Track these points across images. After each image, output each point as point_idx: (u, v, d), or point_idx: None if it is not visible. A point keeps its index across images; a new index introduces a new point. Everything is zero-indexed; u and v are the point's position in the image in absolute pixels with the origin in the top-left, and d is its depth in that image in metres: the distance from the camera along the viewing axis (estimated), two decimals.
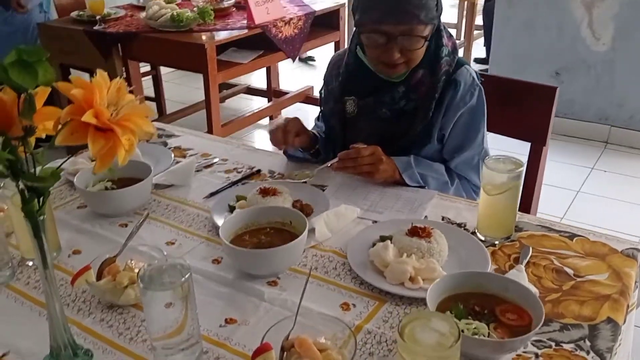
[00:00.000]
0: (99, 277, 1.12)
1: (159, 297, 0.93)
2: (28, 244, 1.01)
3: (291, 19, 3.42)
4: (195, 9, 3.30)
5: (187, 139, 1.84)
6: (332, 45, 3.99)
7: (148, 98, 4.44)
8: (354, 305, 1.10)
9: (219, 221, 1.34)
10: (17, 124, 0.80)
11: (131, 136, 0.80)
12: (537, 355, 0.98)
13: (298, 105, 4.43)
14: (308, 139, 1.60)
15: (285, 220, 1.26)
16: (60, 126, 0.78)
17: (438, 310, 1.00)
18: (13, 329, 1.07)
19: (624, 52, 3.81)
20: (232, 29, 3.24)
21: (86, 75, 1.00)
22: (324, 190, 1.51)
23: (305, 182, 1.54)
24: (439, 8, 1.45)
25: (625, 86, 3.89)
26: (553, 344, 1.00)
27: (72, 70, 3.46)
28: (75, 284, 1.10)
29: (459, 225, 1.35)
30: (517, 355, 0.97)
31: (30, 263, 1.24)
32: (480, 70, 5.73)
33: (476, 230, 1.32)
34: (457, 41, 1.69)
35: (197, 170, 1.62)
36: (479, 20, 5.48)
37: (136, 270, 1.11)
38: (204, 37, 3.13)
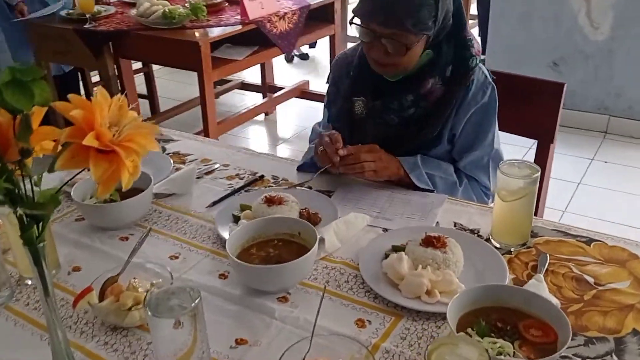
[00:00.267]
0: (102, 297, 1.07)
1: (166, 320, 0.88)
2: (26, 262, 0.96)
3: (285, 13, 3.36)
4: (187, 4, 3.23)
5: (186, 144, 1.79)
6: (327, 39, 3.93)
7: (140, 95, 4.37)
8: (369, 322, 1.05)
9: (224, 233, 1.29)
10: (14, 147, 0.75)
11: (135, 157, 0.75)
12: None
13: (293, 100, 4.37)
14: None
15: (294, 232, 1.21)
16: (59, 149, 0.73)
17: (459, 327, 0.96)
18: (13, 354, 1.02)
19: (622, 41, 3.77)
20: (225, 25, 3.17)
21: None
22: (330, 197, 1.46)
23: (311, 187, 1.49)
24: (437, 22, 1.38)
25: (623, 76, 3.86)
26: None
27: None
28: (77, 307, 1.05)
29: (472, 231, 1.31)
30: None
31: (30, 282, 1.19)
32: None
33: (490, 237, 1.28)
34: None
35: (198, 177, 1.57)
36: (473, 9, 5.42)
37: (140, 290, 1.06)
38: (197, 34, 3.07)
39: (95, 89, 0.76)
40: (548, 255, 1.20)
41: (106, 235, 1.34)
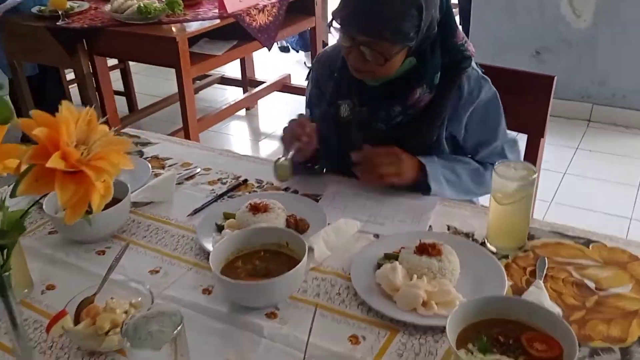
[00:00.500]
0: (77, 319, 1.00)
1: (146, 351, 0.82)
2: None
3: (265, 6, 3.27)
4: None
5: (165, 147, 1.71)
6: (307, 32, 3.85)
7: (118, 93, 4.25)
8: (364, 338, 1.00)
9: (207, 244, 1.22)
10: None
11: (107, 177, 0.68)
12: None
13: (275, 94, 4.29)
14: (310, 154, 1.46)
15: (282, 242, 1.15)
16: (22, 171, 0.66)
17: (459, 342, 0.91)
18: None
19: (605, 28, 3.74)
20: (203, 19, 3.08)
21: None
22: (318, 200, 1.40)
23: (297, 191, 1.43)
24: (420, 32, 1.30)
25: (606, 63, 3.84)
26: None
27: None
28: (50, 332, 0.98)
29: (467, 235, 1.26)
30: None
31: None
32: None
33: (486, 241, 1.23)
34: None
35: (178, 183, 1.50)
36: None
37: (118, 311, 0.99)
38: (174, 30, 2.97)
39: (62, 103, 0.66)
40: (546, 259, 1.16)
41: (82, 249, 1.26)
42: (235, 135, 4.20)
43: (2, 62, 3.36)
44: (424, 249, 1.10)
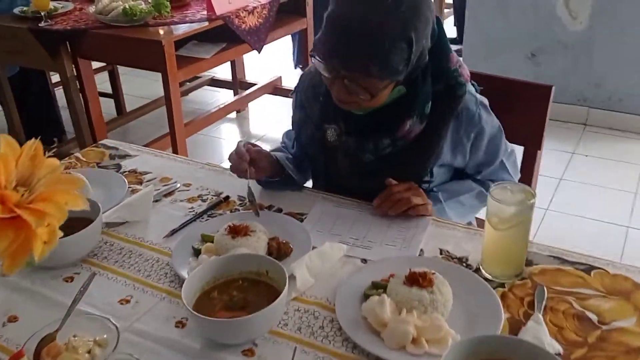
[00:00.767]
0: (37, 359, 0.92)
1: None
2: None
3: (255, 7, 3.18)
4: (149, 0, 3.04)
5: (144, 160, 1.63)
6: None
7: (105, 95, 4.17)
8: None
9: (182, 271, 1.14)
10: None
11: (52, 221, 0.60)
12: None
13: (266, 97, 4.20)
14: (269, 166, 1.38)
15: (261, 270, 1.07)
16: None
17: None
18: None
19: (601, 30, 3.67)
20: (191, 22, 2.99)
21: None
22: (302, 221, 1.32)
23: (281, 209, 1.36)
24: (410, 64, 1.19)
25: (603, 66, 3.77)
26: None
27: None
28: None
29: (460, 260, 1.18)
30: None
31: None
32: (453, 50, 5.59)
33: (480, 266, 1.15)
34: None
35: (156, 200, 1.41)
36: None
37: (80, 350, 0.91)
38: (161, 32, 2.88)
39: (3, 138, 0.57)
40: (545, 288, 1.08)
41: (49, 276, 1.18)
42: (226, 139, 4.11)
43: None
44: (415, 279, 1.02)
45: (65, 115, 3.46)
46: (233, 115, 4.26)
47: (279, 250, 1.19)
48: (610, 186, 3.21)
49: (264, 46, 3.31)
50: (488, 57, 3.99)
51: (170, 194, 1.45)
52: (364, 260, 1.19)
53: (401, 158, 1.33)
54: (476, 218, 1.56)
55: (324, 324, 1.03)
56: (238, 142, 1.36)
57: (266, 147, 1.39)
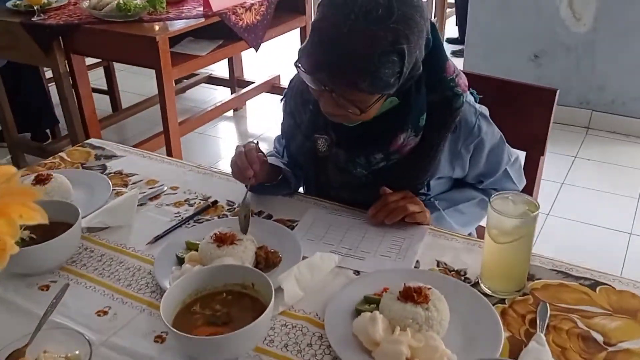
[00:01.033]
0: None
1: None
2: None
3: (252, 4, 3.11)
4: None
5: (131, 161, 1.56)
6: (297, 31, 3.70)
7: (101, 91, 4.11)
8: None
9: (164, 281, 1.08)
10: None
11: (3, 237, 0.54)
12: None
13: (264, 95, 4.14)
14: (267, 172, 1.32)
15: (246, 282, 1.00)
16: None
17: None
18: None
19: (605, 32, 3.61)
20: (187, 18, 2.92)
21: None
22: (293, 228, 1.26)
23: (271, 215, 1.29)
24: (403, 77, 1.10)
25: (606, 69, 3.70)
26: None
27: None
28: None
29: (458, 272, 1.12)
30: None
31: None
32: (454, 50, 5.53)
33: (479, 280, 1.09)
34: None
35: (141, 204, 1.35)
36: None
37: None
38: (156, 28, 2.81)
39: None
40: (548, 305, 1.02)
41: (24, 284, 1.11)
42: (223, 138, 4.05)
43: None
44: (409, 295, 0.95)
45: (58, 111, 3.40)
46: (230, 113, 4.20)
47: (267, 260, 1.13)
48: (613, 191, 3.15)
49: (262, 44, 3.25)
50: (490, 58, 3.92)
51: (156, 197, 1.39)
52: (357, 272, 1.13)
53: (395, 172, 1.27)
54: (477, 227, 1.50)
55: (312, 341, 0.97)
56: (238, 146, 1.29)
57: (263, 148, 1.32)
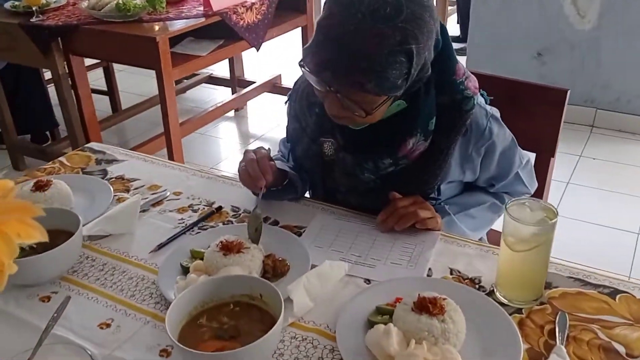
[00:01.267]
0: None
1: None
2: None
3: (253, 3, 3.08)
4: None
5: (133, 165, 1.52)
6: (299, 30, 3.66)
7: (100, 92, 4.07)
8: None
9: (169, 292, 1.05)
10: None
11: (1, 257, 0.50)
12: None
13: (265, 95, 4.10)
14: (276, 178, 1.28)
15: (254, 293, 0.97)
16: None
17: None
18: None
19: (610, 29, 3.57)
20: (187, 18, 2.88)
21: None
22: (300, 235, 1.22)
23: (278, 222, 1.26)
24: (410, 78, 1.06)
25: (611, 66, 3.67)
26: None
27: None
28: None
29: (472, 281, 1.09)
30: None
31: None
32: (456, 49, 5.49)
33: (495, 288, 1.05)
34: None
35: (143, 210, 1.32)
36: None
37: None
38: (155, 28, 2.78)
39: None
40: (567, 315, 0.98)
41: (24, 294, 1.08)
42: (223, 138, 4.01)
43: None
44: (424, 306, 0.92)
45: (57, 112, 3.36)
46: (231, 114, 4.16)
47: (274, 269, 1.09)
48: (619, 190, 3.11)
49: (263, 43, 3.21)
50: (493, 56, 3.88)
51: (158, 203, 1.35)
52: (368, 281, 1.09)
53: (404, 177, 1.23)
54: (487, 232, 1.46)
55: (323, 354, 0.93)
56: (247, 151, 1.25)
57: (265, 147, 1.28)
